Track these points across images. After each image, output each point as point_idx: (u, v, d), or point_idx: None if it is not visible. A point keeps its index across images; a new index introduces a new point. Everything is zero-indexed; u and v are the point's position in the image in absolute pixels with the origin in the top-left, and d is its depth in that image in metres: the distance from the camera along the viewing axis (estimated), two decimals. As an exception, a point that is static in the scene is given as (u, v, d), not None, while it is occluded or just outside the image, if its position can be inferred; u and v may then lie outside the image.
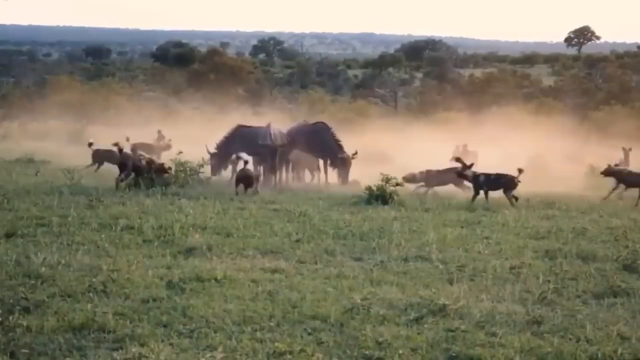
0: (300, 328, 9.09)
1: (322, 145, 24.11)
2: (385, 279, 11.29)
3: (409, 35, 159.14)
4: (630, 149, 27.83)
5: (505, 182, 19.28)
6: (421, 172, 21.84)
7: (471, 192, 19.63)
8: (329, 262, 12.32)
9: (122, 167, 20.25)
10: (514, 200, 18.95)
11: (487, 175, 19.46)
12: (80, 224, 14.46)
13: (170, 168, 20.49)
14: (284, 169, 23.97)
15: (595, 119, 51.29)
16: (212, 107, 54.61)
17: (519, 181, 19.24)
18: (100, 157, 24.57)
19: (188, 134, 31.81)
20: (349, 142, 24.86)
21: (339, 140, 24.35)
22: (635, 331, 9.23)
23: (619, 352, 8.48)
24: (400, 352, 8.39)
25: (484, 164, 25.31)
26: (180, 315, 9.36)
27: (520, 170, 19.22)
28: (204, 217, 15.40)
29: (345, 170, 23.80)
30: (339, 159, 23.90)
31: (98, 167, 24.32)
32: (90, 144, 24.42)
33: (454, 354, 8.44)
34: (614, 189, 21.67)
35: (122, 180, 19.84)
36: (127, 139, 26.54)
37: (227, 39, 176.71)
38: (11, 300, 9.57)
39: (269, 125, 23.78)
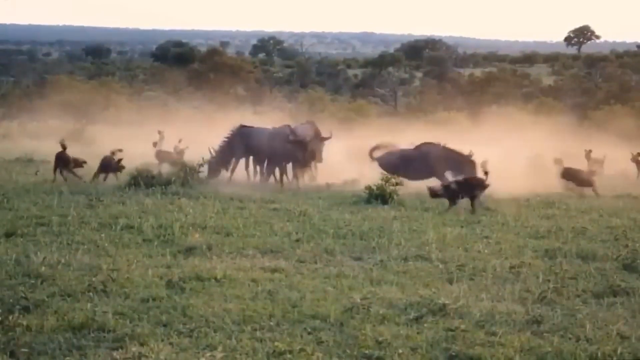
0: (300, 327, 9.09)
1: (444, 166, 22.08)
2: (385, 279, 11.29)
3: (409, 34, 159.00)
4: (590, 150, 27.67)
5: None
6: None
7: None
8: (328, 261, 12.32)
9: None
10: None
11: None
12: (80, 224, 14.47)
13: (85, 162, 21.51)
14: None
15: (595, 118, 51.29)
16: (212, 107, 54.61)
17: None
18: (162, 157, 24.94)
19: (188, 133, 31.74)
20: (349, 141, 24.85)
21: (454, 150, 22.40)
22: (635, 330, 9.23)
23: (619, 351, 8.49)
24: (400, 351, 8.40)
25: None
26: (180, 315, 9.37)
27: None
28: (203, 217, 15.40)
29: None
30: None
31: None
32: (155, 144, 25.07)
33: (453, 354, 8.44)
34: None
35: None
36: (180, 141, 27.07)
37: (227, 38, 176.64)
38: (11, 300, 9.58)
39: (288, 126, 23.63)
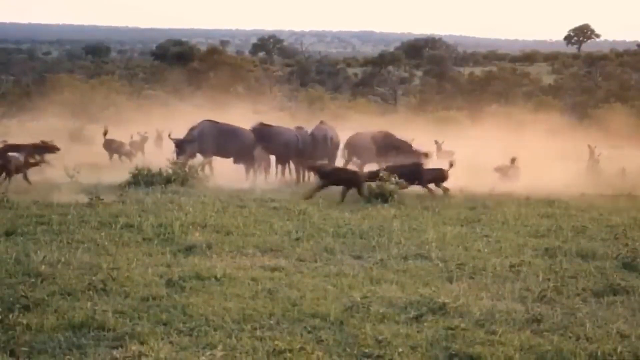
0: (300, 326, 9.10)
1: None
2: (385, 277, 11.30)
3: (409, 33, 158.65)
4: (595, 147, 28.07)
5: None
6: None
7: None
8: (328, 260, 12.33)
9: None
10: None
11: None
12: (80, 222, 14.47)
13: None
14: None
15: (594, 117, 51.27)
16: (212, 105, 54.57)
17: None
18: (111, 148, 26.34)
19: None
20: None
21: None
22: (634, 329, 9.24)
23: (619, 350, 8.50)
24: (400, 350, 8.40)
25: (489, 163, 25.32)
26: (180, 314, 9.37)
27: None
28: (203, 216, 15.40)
29: None
30: None
31: None
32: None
33: (453, 352, 8.45)
34: None
35: None
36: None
37: (227, 37, 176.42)
38: (11, 299, 9.60)
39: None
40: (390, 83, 76.08)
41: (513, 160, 24.79)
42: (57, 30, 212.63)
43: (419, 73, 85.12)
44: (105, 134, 27.53)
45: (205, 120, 23.63)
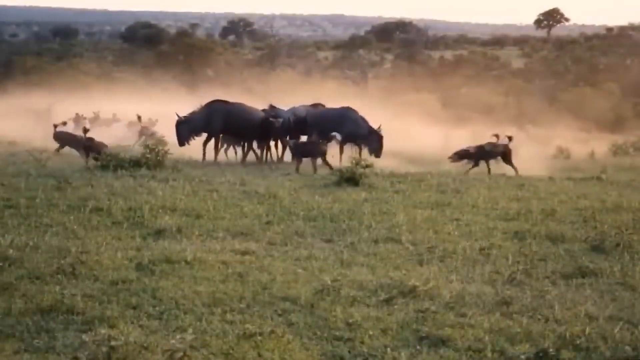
0: (271, 309, 9.09)
1: None
2: (356, 261, 11.30)
3: (379, 17, 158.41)
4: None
5: None
6: None
7: None
8: (299, 243, 12.31)
9: None
10: None
11: None
12: (49, 206, 14.33)
13: None
14: None
15: (564, 100, 51.58)
16: (182, 88, 54.37)
17: None
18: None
19: (157, 114, 31.58)
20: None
21: None
22: (602, 311, 9.31)
23: (587, 331, 8.56)
24: (370, 333, 8.42)
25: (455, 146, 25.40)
26: (150, 297, 9.33)
27: None
28: (173, 199, 15.30)
29: None
30: None
31: None
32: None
33: (423, 335, 8.47)
34: None
35: None
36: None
37: (196, 20, 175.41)
38: (-22, 283, 9.50)
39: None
40: (361, 66, 76.12)
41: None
42: (25, 12, 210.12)
43: (390, 56, 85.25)
44: (139, 119, 27.47)
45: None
